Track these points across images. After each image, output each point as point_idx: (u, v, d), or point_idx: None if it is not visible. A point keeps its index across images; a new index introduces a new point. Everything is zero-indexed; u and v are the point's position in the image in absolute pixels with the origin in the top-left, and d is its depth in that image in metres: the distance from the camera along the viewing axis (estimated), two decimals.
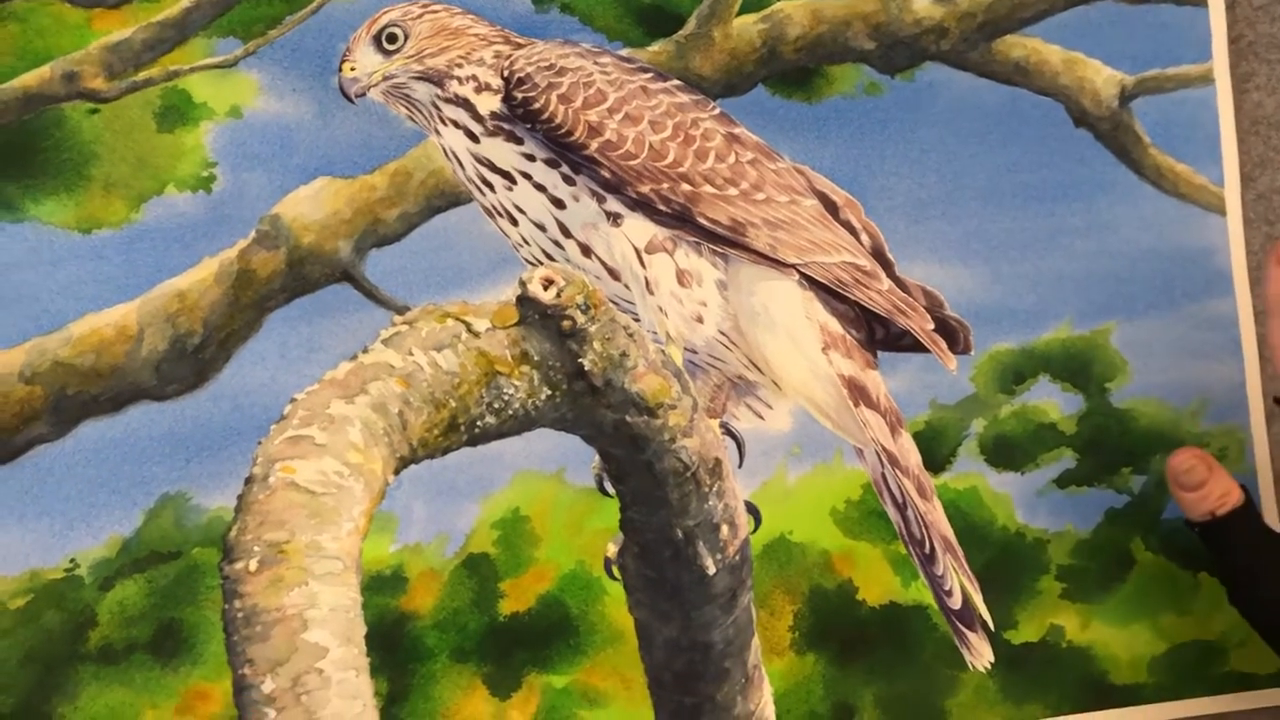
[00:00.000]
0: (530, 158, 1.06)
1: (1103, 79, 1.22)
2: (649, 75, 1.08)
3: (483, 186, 1.07)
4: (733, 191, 1.07)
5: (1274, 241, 1.23)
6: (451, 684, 1.14)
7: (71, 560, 1.10)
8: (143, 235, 1.11)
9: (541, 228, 1.06)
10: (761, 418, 1.13)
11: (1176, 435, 1.22)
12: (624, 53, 1.15)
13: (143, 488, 1.11)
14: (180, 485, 1.11)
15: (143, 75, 1.11)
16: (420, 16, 1.08)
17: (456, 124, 1.06)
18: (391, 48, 1.07)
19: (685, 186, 1.05)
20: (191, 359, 1.12)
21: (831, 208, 1.11)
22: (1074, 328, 1.21)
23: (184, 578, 1.11)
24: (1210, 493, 1.14)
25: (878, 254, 1.12)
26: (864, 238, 1.12)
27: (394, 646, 1.13)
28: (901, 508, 1.09)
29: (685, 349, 1.07)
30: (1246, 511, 1.14)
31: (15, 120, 1.10)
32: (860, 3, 1.20)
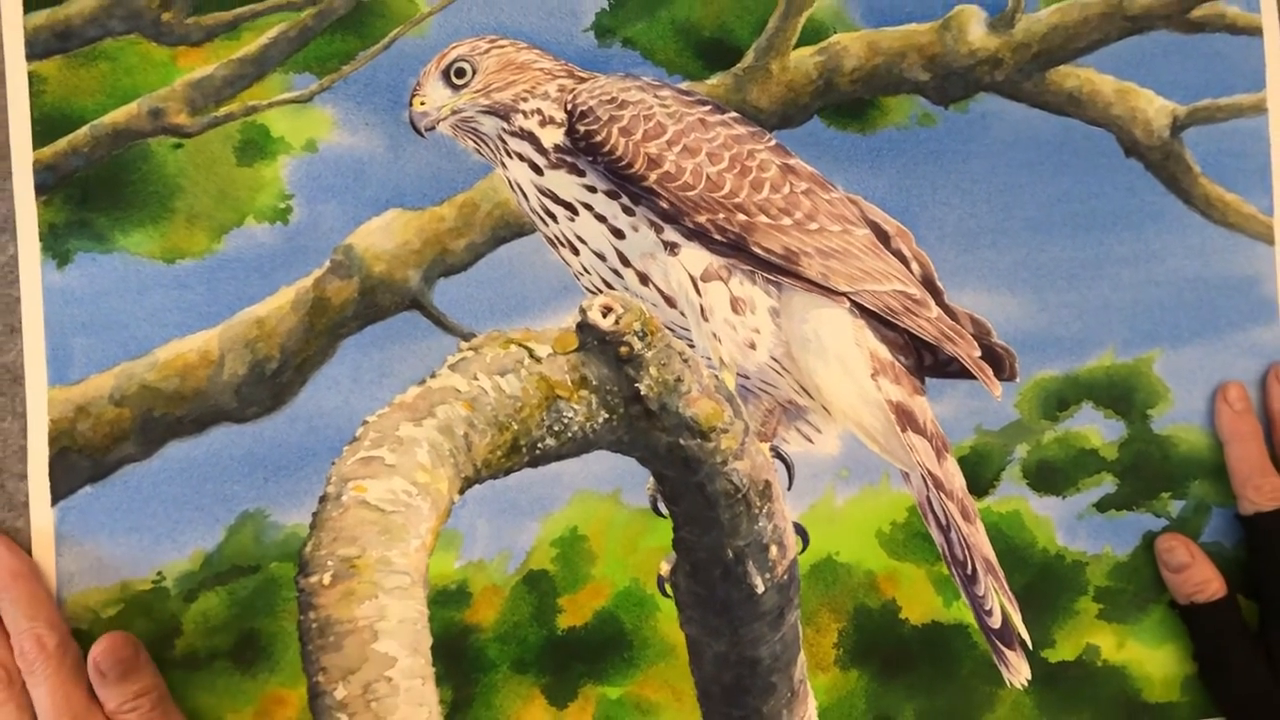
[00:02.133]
0: (592, 189, 1.07)
1: (1155, 109, 1.21)
2: (707, 108, 1.10)
3: (546, 217, 1.09)
4: (787, 221, 1.08)
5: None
6: (512, 693, 1.15)
7: (159, 573, 1.11)
8: (223, 265, 1.12)
9: (601, 257, 1.08)
10: (811, 441, 1.14)
11: (1216, 461, 1.22)
12: (683, 86, 1.16)
13: (224, 505, 1.12)
14: (259, 503, 1.12)
15: (223, 110, 1.12)
16: (488, 51, 1.09)
17: (521, 157, 1.08)
18: (460, 82, 1.08)
19: (741, 216, 1.07)
20: (269, 383, 1.13)
21: (883, 237, 1.12)
22: (1118, 356, 1.21)
23: (262, 590, 1.12)
24: (1190, 578, 1.18)
25: (927, 282, 1.13)
26: (914, 266, 1.13)
27: (458, 657, 1.14)
28: (945, 530, 1.11)
29: (738, 374, 1.08)
30: (1225, 606, 1.18)
31: (106, 155, 1.11)
32: (916, 34, 1.19)
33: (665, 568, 0.99)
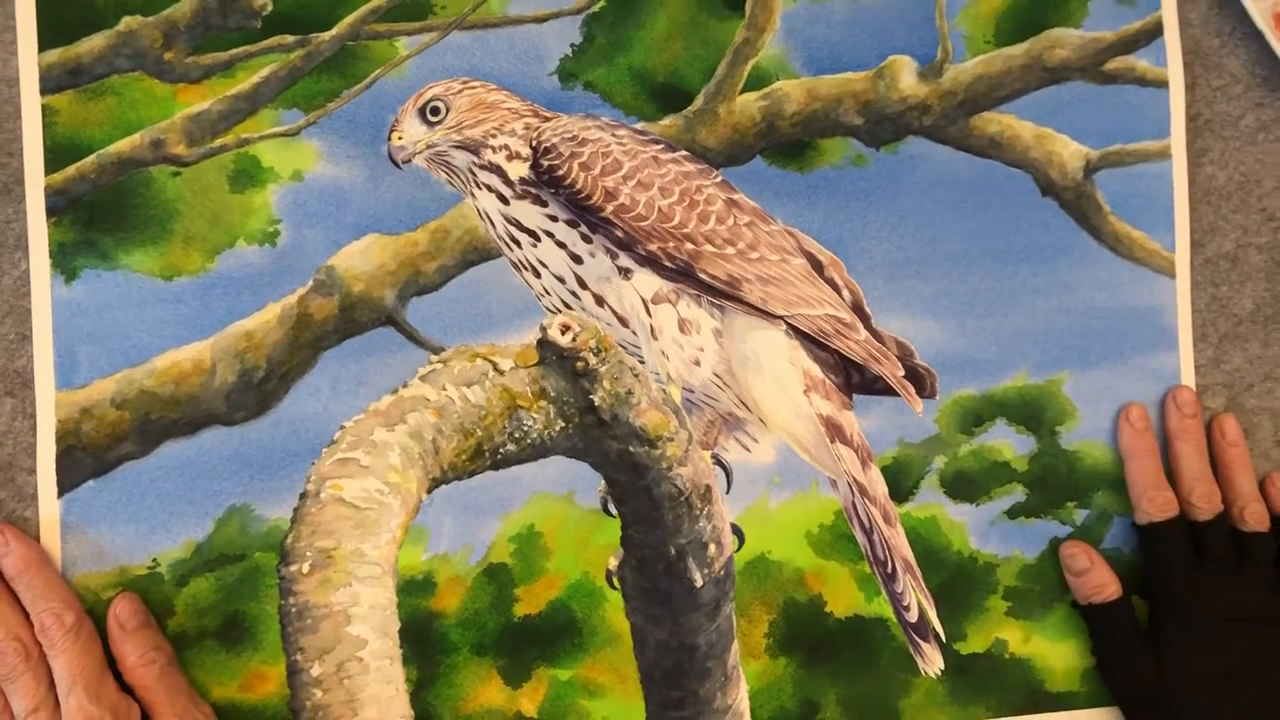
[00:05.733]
0: (553, 218, 1.08)
1: (1069, 153, 1.23)
2: (660, 146, 1.11)
3: (511, 243, 1.10)
4: (730, 250, 1.09)
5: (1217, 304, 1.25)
6: (471, 674, 1.16)
7: (153, 560, 1.13)
8: (216, 283, 1.13)
9: (561, 280, 1.09)
10: (748, 450, 1.15)
11: (1118, 475, 1.24)
12: (639, 126, 1.17)
13: (214, 500, 1.13)
14: (245, 498, 1.13)
15: (219, 142, 1.14)
16: (460, 92, 1.10)
17: (490, 188, 1.09)
18: (435, 119, 1.09)
19: (689, 245, 1.08)
20: (256, 390, 1.14)
21: (818, 266, 1.14)
22: (1030, 377, 1.22)
23: (247, 577, 1.13)
24: (1089, 581, 1.20)
25: (857, 308, 1.15)
26: (845, 294, 1.14)
27: (423, 641, 1.15)
28: (868, 532, 1.12)
29: (683, 389, 1.10)
30: (1120, 606, 1.21)
31: (111, 181, 1.12)
32: (852, 82, 1.20)
33: (613, 562, 1.00)
